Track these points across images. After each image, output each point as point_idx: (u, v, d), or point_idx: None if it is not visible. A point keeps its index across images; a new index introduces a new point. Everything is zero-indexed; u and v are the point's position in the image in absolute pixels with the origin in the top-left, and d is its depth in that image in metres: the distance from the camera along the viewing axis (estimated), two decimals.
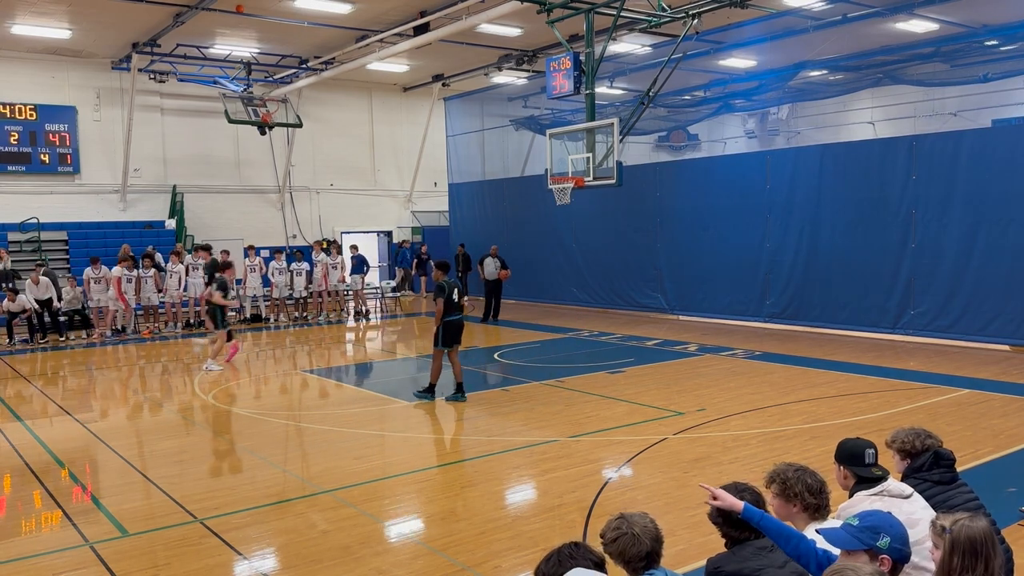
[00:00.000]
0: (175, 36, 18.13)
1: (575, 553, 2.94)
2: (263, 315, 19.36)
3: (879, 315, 14.22)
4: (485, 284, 19.22)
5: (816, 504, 3.51)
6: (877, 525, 2.93)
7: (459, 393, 10.11)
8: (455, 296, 9.98)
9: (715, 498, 3.34)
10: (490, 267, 18.91)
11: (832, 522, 3.54)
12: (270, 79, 21.81)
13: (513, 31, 18.44)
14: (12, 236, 19.60)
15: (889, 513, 3.04)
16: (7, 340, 16.46)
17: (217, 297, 12.89)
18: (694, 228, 17.38)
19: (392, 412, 9.92)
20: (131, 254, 18.53)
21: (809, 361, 12.26)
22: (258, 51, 19.97)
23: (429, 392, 10.11)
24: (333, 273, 20.00)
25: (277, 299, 19.33)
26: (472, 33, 17.73)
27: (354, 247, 20.92)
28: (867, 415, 8.75)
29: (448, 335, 9.96)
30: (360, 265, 20.63)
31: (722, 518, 3.37)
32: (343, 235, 24.96)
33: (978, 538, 2.73)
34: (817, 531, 3.20)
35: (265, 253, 20.74)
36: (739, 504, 3.27)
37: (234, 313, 19.41)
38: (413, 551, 5.52)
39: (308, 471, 7.45)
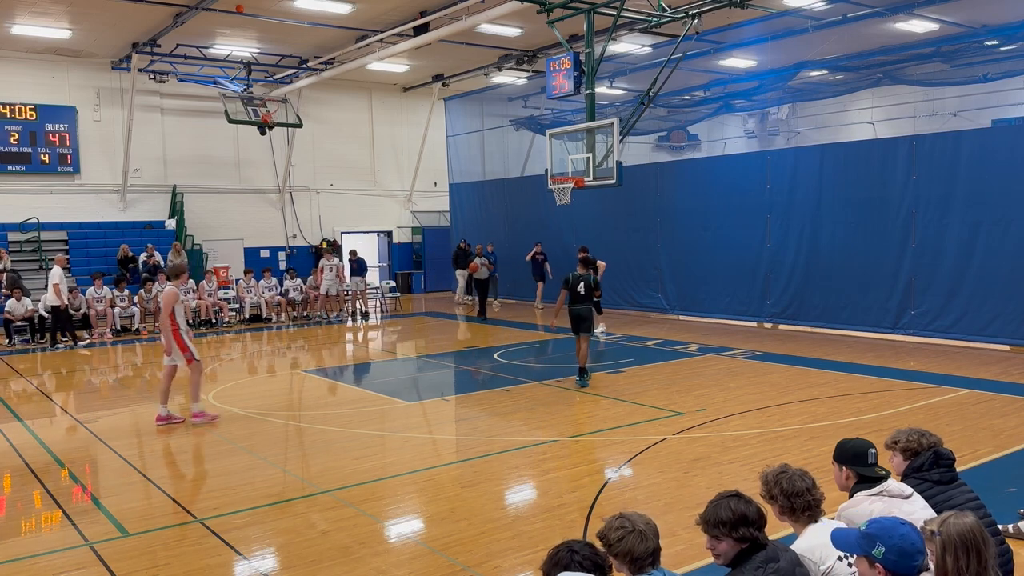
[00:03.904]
0: (175, 36, 18.13)
1: (576, 555, 2.93)
2: (263, 315, 19.35)
3: (879, 315, 14.21)
4: (476, 283, 19.28)
5: (819, 499, 3.51)
6: (876, 534, 2.92)
7: (581, 378, 10.90)
8: (581, 289, 10.88)
9: None
10: (481, 267, 18.96)
11: (839, 523, 3.56)
12: (270, 79, 21.81)
13: (513, 31, 18.43)
14: (12, 236, 19.59)
15: (903, 524, 2.98)
16: (7, 341, 16.47)
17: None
18: (694, 228, 17.38)
19: (392, 412, 9.92)
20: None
21: (809, 361, 12.25)
22: (258, 51, 19.97)
23: (581, 375, 10.94)
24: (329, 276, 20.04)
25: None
26: (472, 33, 17.72)
27: (353, 252, 21.11)
28: (867, 415, 8.75)
29: (572, 322, 11.04)
30: (360, 268, 20.78)
31: (726, 527, 3.18)
32: (343, 235, 24.98)
33: (966, 532, 2.73)
34: (832, 532, 3.19)
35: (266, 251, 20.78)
36: None
37: (234, 313, 19.45)
38: (413, 551, 5.52)
39: (308, 471, 7.45)
